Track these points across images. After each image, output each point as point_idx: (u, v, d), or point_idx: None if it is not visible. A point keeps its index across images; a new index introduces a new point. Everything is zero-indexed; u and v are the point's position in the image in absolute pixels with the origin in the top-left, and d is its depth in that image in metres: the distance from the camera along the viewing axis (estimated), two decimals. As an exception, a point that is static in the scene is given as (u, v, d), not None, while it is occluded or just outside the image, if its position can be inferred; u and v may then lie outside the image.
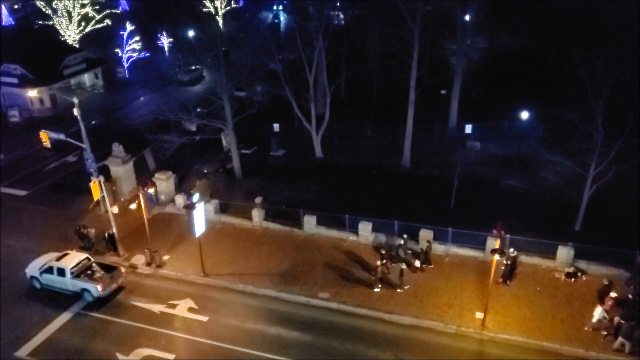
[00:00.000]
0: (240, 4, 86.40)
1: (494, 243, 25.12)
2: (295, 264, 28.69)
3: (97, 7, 64.43)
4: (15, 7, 75.90)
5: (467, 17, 43.08)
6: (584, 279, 26.56)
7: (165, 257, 29.52)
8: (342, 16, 62.42)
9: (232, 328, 24.63)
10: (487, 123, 42.20)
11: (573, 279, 26.51)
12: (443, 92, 47.50)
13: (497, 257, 21.78)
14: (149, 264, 29.07)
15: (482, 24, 51.05)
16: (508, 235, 27.05)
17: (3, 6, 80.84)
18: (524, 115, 38.15)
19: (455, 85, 43.68)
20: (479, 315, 24.34)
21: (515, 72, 54.47)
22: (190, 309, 25.87)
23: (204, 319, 25.29)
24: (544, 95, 45.46)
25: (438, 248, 29.08)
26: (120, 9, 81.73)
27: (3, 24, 78.57)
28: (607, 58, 26.95)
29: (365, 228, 30.18)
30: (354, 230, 30.43)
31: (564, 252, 27.11)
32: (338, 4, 59.26)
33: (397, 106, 42.90)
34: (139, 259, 29.52)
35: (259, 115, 40.19)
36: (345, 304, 25.70)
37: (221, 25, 71.16)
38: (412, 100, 38.47)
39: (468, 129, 42.57)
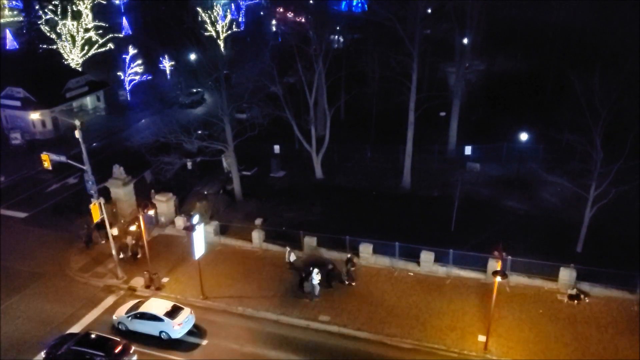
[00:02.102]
0: (242, 29, 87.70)
1: (495, 265, 24.95)
2: (295, 286, 28.43)
3: (100, 31, 65.42)
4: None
5: (465, 41, 43.66)
6: (587, 301, 26.31)
7: (165, 280, 29.31)
8: (342, 40, 63.29)
9: (232, 352, 24.30)
10: (486, 145, 42.39)
11: (576, 301, 26.26)
12: (442, 114, 47.84)
13: (498, 278, 21.62)
14: (148, 287, 28.85)
15: (480, 47, 51.68)
16: (509, 257, 26.91)
17: (8, 31, 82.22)
18: (523, 136, 38.32)
19: (454, 107, 44.01)
20: (482, 338, 24.04)
21: (513, 94, 54.97)
22: (189, 332, 25.55)
23: (203, 342, 24.99)
24: (543, 117, 45.74)
25: (439, 270, 28.91)
26: (123, 33, 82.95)
27: (8, 48, 79.78)
28: (604, 81, 27.23)
29: (366, 249, 30.03)
30: (355, 252, 30.25)
31: (566, 274, 26.92)
32: (338, 28, 60.18)
33: (396, 128, 43.16)
34: (138, 282, 29.29)
35: (259, 136, 40.44)
36: (346, 327, 25.41)
37: (222, 49, 72.11)
38: (412, 122, 38.72)
39: (468, 150, 42.73)
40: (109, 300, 28.28)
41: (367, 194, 38.67)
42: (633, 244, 29.75)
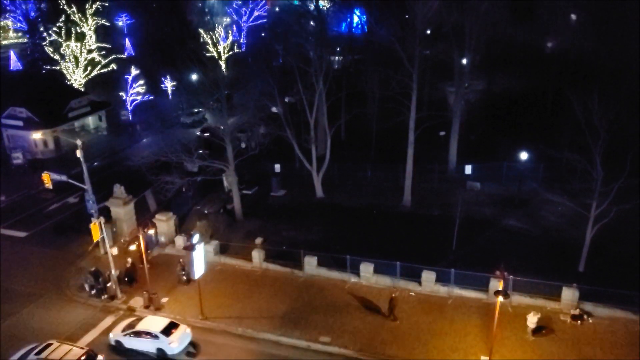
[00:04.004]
0: (243, 49, 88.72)
1: (497, 284, 24.76)
2: (295, 306, 28.22)
3: (103, 52, 66.23)
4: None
5: (464, 61, 44.12)
6: (591, 321, 26.03)
7: (164, 300, 29.09)
8: (342, 60, 64.03)
9: (231, 373, 24.02)
10: (486, 164, 42.48)
11: (579, 322, 25.97)
12: (442, 133, 48.05)
13: (500, 298, 21.45)
14: (147, 307, 28.62)
15: (479, 67, 52.13)
16: (511, 277, 26.71)
17: (12, 52, 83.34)
18: (523, 155, 38.42)
19: (454, 127, 44.24)
20: (484, 359, 23.72)
21: (513, 113, 55.28)
22: (189, 353, 25.26)
23: (202, 364, 24.71)
24: (542, 137, 46.06)
25: (441, 290, 28.69)
26: (125, 54, 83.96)
27: (11, 68, 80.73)
28: (602, 100, 27.41)
29: (366, 269, 29.85)
30: (356, 272, 30.08)
31: (569, 294, 26.68)
32: (338, 49, 60.97)
33: (396, 147, 43.32)
34: (138, 302, 29.08)
35: (260, 156, 40.61)
36: (346, 349, 25.12)
37: (224, 70, 72.86)
38: (412, 141, 38.89)
39: (468, 169, 42.82)
40: (108, 320, 28.02)
41: (367, 213, 38.62)
42: (635, 263, 29.54)
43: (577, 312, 26.21)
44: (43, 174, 30.93)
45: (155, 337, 24.90)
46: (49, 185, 31.67)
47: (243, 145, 46.77)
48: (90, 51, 64.41)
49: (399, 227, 36.29)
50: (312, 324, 26.82)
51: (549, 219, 36.44)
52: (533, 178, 39.92)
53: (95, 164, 48.53)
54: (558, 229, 35.09)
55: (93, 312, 28.76)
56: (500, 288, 22.20)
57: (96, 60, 64.81)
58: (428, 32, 44.33)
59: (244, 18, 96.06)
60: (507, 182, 41.37)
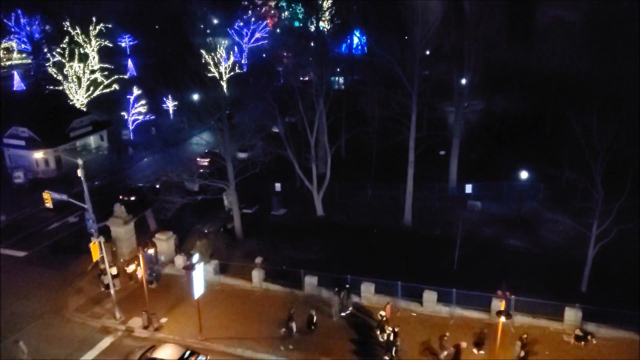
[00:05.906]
0: (245, 70, 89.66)
1: (499, 304, 24.57)
2: (296, 326, 27.89)
3: (106, 72, 66.95)
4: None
5: (463, 81, 44.52)
6: (594, 342, 25.72)
7: (163, 320, 28.82)
8: (342, 81, 64.65)
9: (230, 396, 23.65)
10: (487, 183, 42.52)
11: (583, 342, 25.66)
12: (442, 152, 48.19)
13: (503, 319, 21.26)
14: (146, 327, 28.33)
15: (478, 87, 52.61)
16: (513, 297, 26.49)
17: (15, 72, 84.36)
18: (524, 175, 38.48)
19: (454, 146, 44.40)
20: (487, 381, 23.41)
21: (513, 133, 55.57)
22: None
23: (201, 385, 24.34)
24: (543, 156, 46.18)
25: (442, 310, 28.43)
26: (128, 74, 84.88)
27: (15, 89, 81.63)
28: (602, 120, 27.56)
29: (367, 289, 29.62)
30: (357, 292, 29.84)
31: (572, 314, 26.44)
32: (338, 69, 61.58)
33: (397, 166, 43.40)
34: (136, 322, 28.79)
35: (261, 175, 40.67)
36: (347, 370, 24.81)
37: (225, 90, 73.45)
38: (412, 161, 39.00)
39: (468, 188, 42.84)
40: (106, 341, 27.71)
41: (368, 232, 38.51)
42: (637, 282, 29.31)
43: (580, 332, 25.92)
44: (44, 193, 30.93)
45: None
46: (49, 204, 31.66)
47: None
48: (93, 71, 65.12)
49: (400, 246, 36.15)
50: (313, 344, 26.50)
51: (550, 239, 36.33)
52: (534, 197, 39.91)
53: (96, 183, 48.58)
54: (559, 248, 34.96)
55: (91, 332, 28.46)
56: (502, 308, 22.03)
57: (99, 80, 65.51)
58: (427, 52, 44.80)
59: (245, 39, 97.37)
60: (507, 201, 41.36)
